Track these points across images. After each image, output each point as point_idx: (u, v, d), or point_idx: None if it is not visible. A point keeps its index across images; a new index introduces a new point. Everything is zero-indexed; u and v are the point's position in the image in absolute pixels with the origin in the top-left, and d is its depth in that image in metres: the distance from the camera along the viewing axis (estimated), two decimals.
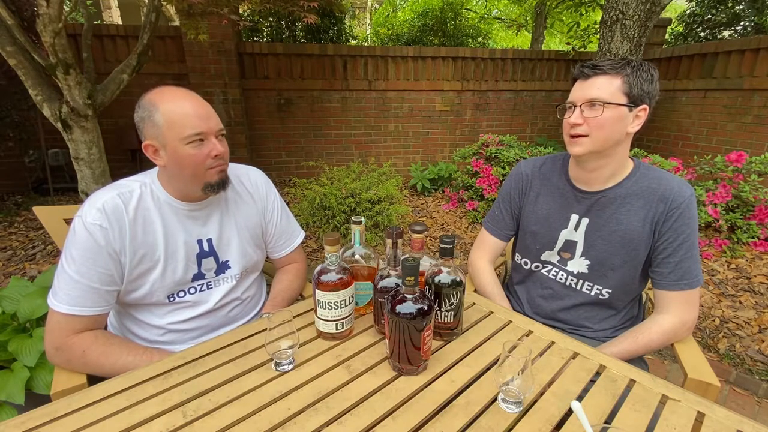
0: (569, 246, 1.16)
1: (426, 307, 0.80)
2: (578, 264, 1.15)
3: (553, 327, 1.12)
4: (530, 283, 1.28)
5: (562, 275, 1.19)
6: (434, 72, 4.83)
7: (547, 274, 1.23)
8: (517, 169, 1.28)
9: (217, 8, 2.54)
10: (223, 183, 1.03)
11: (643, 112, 1.03)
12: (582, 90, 1.03)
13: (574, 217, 1.15)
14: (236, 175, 1.18)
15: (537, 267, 1.24)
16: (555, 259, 1.20)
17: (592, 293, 1.15)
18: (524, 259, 1.27)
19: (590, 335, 1.18)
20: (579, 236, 1.15)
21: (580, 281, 1.16)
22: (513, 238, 1.35)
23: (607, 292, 1.14)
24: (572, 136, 1.05)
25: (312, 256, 3.04)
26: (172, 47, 4.14)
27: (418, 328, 0.80)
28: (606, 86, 1.00)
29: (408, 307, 0.79)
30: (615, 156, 1.06)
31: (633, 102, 1.00)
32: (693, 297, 1.04)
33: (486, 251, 1.33)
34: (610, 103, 0.99)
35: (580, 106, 1.03)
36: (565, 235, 1.17)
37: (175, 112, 0.94)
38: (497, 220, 1.32)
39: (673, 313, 1.05)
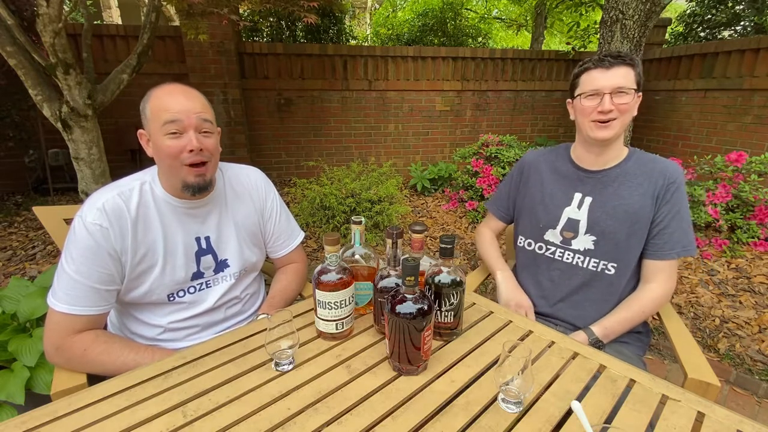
0: (572, 225, 1.21)
1: (426, 307, 0.80)
2: (583, 241, 1.20)
3: (554, 321, 1.20)
4: (536, 268, 1.30)
5: (568, 254, 1.23)
6: (434, 72, 4.83)
7: (551, 256, 1.26)
8: (522, 158, 1.39)
9: (217, 8, 2.54)
10: (200, 187, 1.00)
11: (638, 99, 1.14)
12: (607, 79, 1.09)
13: (578, 195, 1.22)
14: (236, 174, 1.18)
15: (540, 248, 1.29)
16: (558, 239, 1.24)
17: (599, 269, 1.20)
18: (528, 240, 1.32)
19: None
20: (582, 215, 1.20)
21: (586, 258, 1.21)
22: (514, 226, 1.44)
23: (612, 266, 1.18)
24: (601, 121, 1.11)
25: (312, 256, 3.04)
26: (172, 47, 4.14)
27: (418, 328, 0.80)
28: (628, 75, 1.09)
29: (408, 307, 0.79)
30: (619, 141, 1.18)
31: (637, 90, 1.12)
32: (675, 267, 1.17)
33: (488, 226, 1.50)
34: (636, 90, 1.10)
35: (609, 94, 1.09)
36: (568, 212, 1.22)
37: (158, 101, 0.95)
38: (498, 201, 1.46)
39: (660, 282, 1.15)
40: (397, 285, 0.90)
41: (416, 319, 0.79)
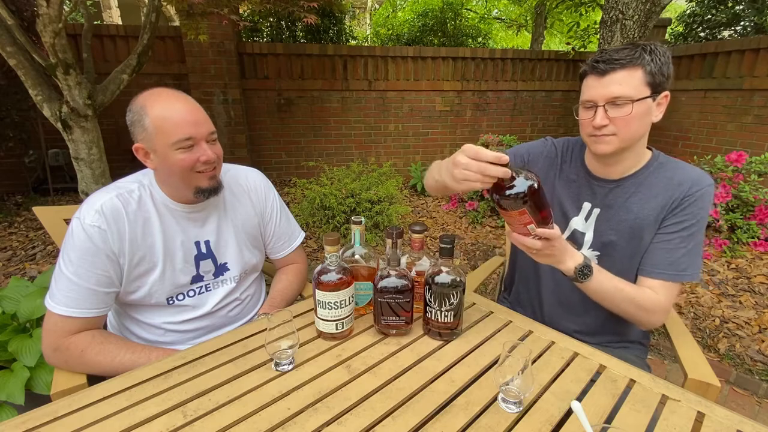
0: (576, 237, 1.14)
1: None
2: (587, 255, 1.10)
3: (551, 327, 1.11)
4: (534, 272, 1.23)
5: None
6: (434, 72, 4.83)
7: None
8: (547, 141, 1.24)
9: (217, 8, 2.55)
10: (214, 189, 1.02)
11: (664, 99, 0.98)
12: (601, 87, 0.95)
13: (587, 206, 1.12)
14: (235, 176, 1.18)
15: None
16: None
17: None
18: None
19: (592, 342, 1.15)
20: (588, 227, 1.12)
21: None
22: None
23: None
24: (597, 135, 0.99)
25: (312, 256, 3.04)
26: (172, 47, 4.14)
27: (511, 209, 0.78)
28: (628, 80, 0.93)
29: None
30: (636, 148, 1.03)
31: (655, 91, 0.96)
32: (674, 289, 1.01)
33: None
34: (637, 100, 0.93)
35: (603, 105, 0.96)
36: (575, 223, 1.14)
37: (164, 118, 0.92)
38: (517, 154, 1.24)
39: (659, 294, 1.00)
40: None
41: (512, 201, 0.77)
